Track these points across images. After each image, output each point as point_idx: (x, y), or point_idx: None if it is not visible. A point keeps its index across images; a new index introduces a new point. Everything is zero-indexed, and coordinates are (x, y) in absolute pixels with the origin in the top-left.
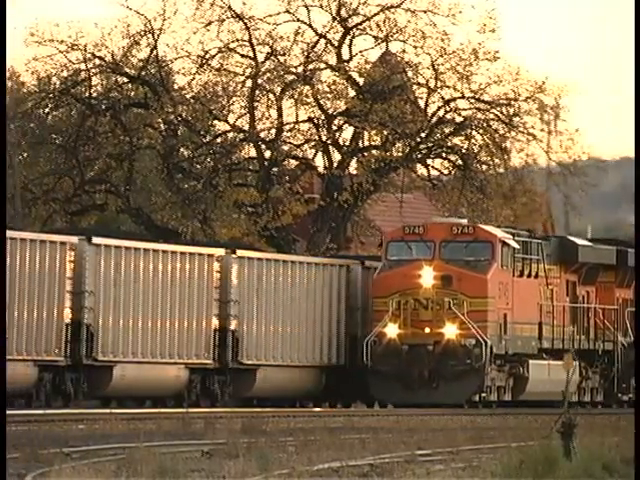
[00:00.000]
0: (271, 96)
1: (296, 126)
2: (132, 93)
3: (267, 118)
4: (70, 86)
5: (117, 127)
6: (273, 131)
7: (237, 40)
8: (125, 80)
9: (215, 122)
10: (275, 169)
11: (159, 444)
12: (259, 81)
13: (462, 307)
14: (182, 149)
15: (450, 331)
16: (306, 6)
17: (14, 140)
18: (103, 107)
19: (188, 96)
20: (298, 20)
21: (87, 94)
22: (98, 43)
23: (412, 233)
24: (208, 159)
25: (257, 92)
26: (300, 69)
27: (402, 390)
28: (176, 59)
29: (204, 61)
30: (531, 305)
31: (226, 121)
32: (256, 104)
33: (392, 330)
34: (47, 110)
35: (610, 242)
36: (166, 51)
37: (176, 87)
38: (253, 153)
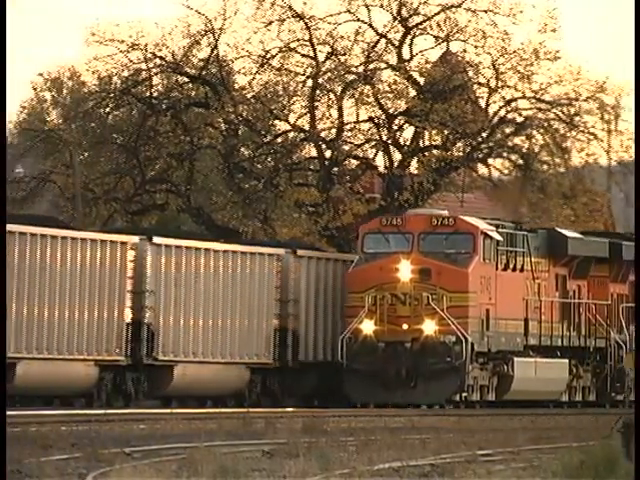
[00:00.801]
0: (332, 96)
1: (357, 126)
2: (193, 93)
3: (328, 118)
4: (131, 86)
5: (178, 127)
6: (334, 131)
7: (298, 40)
8: (186, 80)
9: (276, 122)
10: (336, 169)
11: (220, 444)
12: (320, 81)
13: (441, 302)
14: (243, 149)
15: (429, 327)
16: (367, 6)
17: (75, 140)
18: (164, 107)
19: (249, 96)
20: (359, 20)
21: (148, 94)
22: (159, 43)
23: (389, 224)
24: (269, 159)
25: (318, 92)
26: (361, 69)
27: (378, 389)
28: (237, 59)
29: (265, 61)
30: (516, 300)
31: (287, 121)
32: (317, 104)
33: (368, 327)
34: (108, 110)
35: (605, 235)
36: (227, 51)
37: (237, 87)
38: (314, 153)
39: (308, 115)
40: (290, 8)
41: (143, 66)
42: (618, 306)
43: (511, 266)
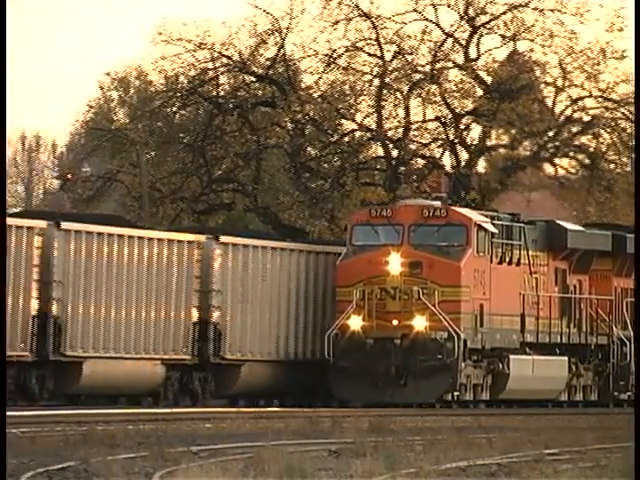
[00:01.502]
0: (398, 95)
1: (423, 125)
2: (259, 92)
3: (394, 117)
4: (198, 85)
5: (244, 126)
6: (400, 130)
7: (364, 39)
8: (252, 79)
9: (342, 121)
10: (402, 168)
11: (286, 443)
12: (386, 80)
13: (433, 297)
14: (309, 148)
15: (419, 323)
16: (433, 5)
17: (142, 139)
18: (230, 106)
19: (315, 95)
20: (426, 19)
21: (215, 93)
22: (226, 42)
23: (379, 216)
24: (335, 158)
25: (384, 91)
26: (427, 68)
27: (366, 388)
28: (303, 58)
29: (331, 60)
30: (512, 295)
31: (353, 120)
32: (383, 103)
33: (356, 322)
34: (175, 109)
35: (607, 227)
36: (293, 50)
37: (303, 86)
38: (380, 152)
39: (375, 114)
40: (357, 7)
41: (210, 65)
42: (622, 301)
43: (507, 259)
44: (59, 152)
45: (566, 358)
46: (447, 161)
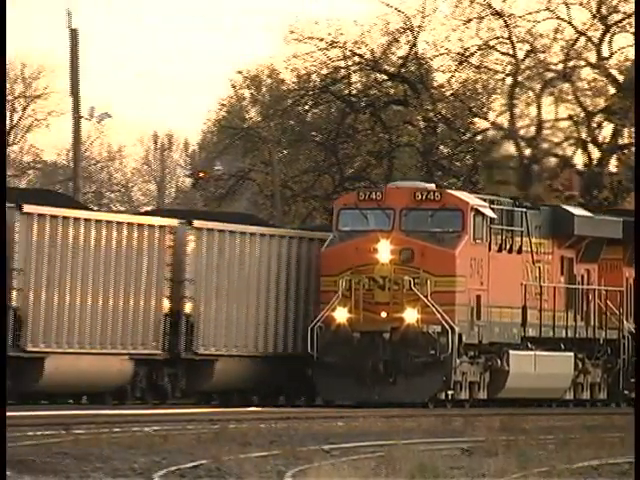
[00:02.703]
0: (531, 93)
1: (555, 124)
2: (391, 90)
3: (527, 115)
4: (329, 83)
5: (376, 124)
6: (532, 128)
7: (497, 37)
8: (384, 77)
9: (474, 119)
10: (535, 166)
11: (418, 441)
12: (519, 78)
13: (425, 287)
14: (441, 146)
15: (410, 316)
16: (566, 3)
17: (274, 138)
18: (362, 104)
19: (447, 93)
20: (558, 18)
21: (347, 91)
22: (357, 40)
23: (368, 199)
24: (467, 156)
25: (517, 89)
26: (560, 66)
27: (353, 386)
28: (435, 56)
29: (464, 58)
30: (512, 285)
31: (485, 118)
32: (516, 101)
33: (341, 314)
34: (307, 107)
35: (618, 213)
36: (425, 49)
37: (435, 84)
38: (513, 150)
39: (507, 113)
40: (489, 6)
41: (342, 64)
42: (633, 292)
43: (507, 247)
44: (191, 150)
45: (572, 354)
46: (579, 159)
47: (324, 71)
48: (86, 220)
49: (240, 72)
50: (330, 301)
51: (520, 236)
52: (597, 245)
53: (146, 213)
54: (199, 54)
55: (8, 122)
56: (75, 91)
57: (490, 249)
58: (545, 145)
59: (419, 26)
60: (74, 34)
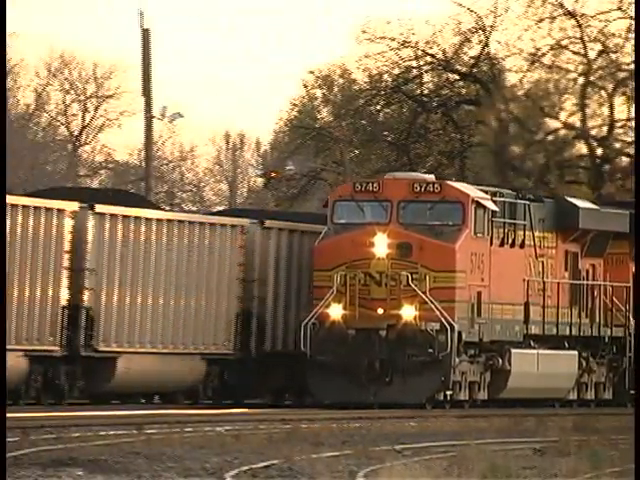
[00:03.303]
0: (603, 93)
1: (628, 123)
2: (463, 90)
3: (599, 115)
4: (401, 83)
5: (448, 124)
6: (605, 128)
7: (569, 37)
8: (456, 77)
9: (546, 119)
10: (606, 166)
11: (490, 442)
12: (591, 78)
13: (424, 283)
14: (513, 146)
15: (408, 313)
16: (638, 3)
17: (345, 137)
18: (434, 104)
19: (519, 93)
20: (630, 17)
21: (418, 91)
22: (429, 40)
23: (364, 191)
24: (540, 156)
25: (589, 89)
26: (632, 66)
27: (347, 386)
28: (507, 56)
29: (536, 58)
30: (514, 281)
31: (557, 118)
32: (588, 101)
33: (336, 311)
34: (378, 107)
35: (625, 205)
36: (497, 48)
37: (507, 84)
38: (585, 150)
39: (579, 113)
40: (561, 6)
41: (414, 64)
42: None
43: (509, 241)
44: (263, 150)
45: (576, 352)
46: None
47: (396, 71)
48: (158, 220)
49: (312, 72)
50: (324, 297)
51: (523, 230)
52: (603, 239)
53: (218, 213)
54: (271, 54)
55: (80, 122)
56: (147, 91)
57: (491, 243)
58: (617, 145)
59: (491, 26)
60: (146, 34)
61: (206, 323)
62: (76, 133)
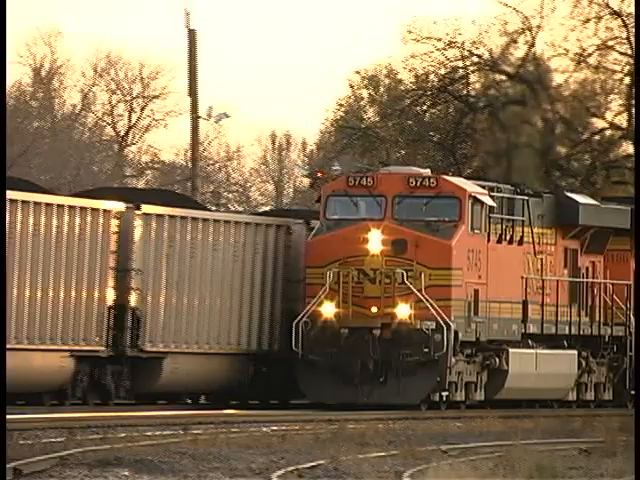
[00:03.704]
0: None
1: None
2: (510, 91)
3: None
4: (448, 84)
5: (494, 124)
6: None
7: (615, 37)
8: (503, 78)
9: (593, 119)
10: None
11: (536, 442)
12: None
13: (419, 281)
14: (559, 146)
15: (403, 311)
16: None
17: (391, 138)
18: (481, 105)
19: (566, 93)
20: None
21: (465, 92)
22: (476, 40)
23: (358, 185)
24: (586, 156)
25: (635, 89)
26: None
27: (340, 386)
28: (554, 57)
29: (582, 59)
30: (512, 279)
31: (604, 118)
32: (634, 101)
33: (328, 309)
34: (425, 107)
35: (626, 201)
36: (544, 49)
37: (554, 84)
38: (631, 150)
39: (625, 112)
40: (607, 6)
41: (460, 64)
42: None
43: (507, 238)
44: (309, 150)
45: (575, 352)
46: None
47: (442, 71)
48: (204, 220)
49: (358, 72)
50: (316, 295)
51: (521, 226)
52: (603, 235)
53: (264, 213)
54: (317, 54)
55: (126, 122)
56: (193, 91)
57: (489, 240)
58: None
59: (538, 26)
60: (192, 34)
61: (251, 324)
62: (122, 133)
